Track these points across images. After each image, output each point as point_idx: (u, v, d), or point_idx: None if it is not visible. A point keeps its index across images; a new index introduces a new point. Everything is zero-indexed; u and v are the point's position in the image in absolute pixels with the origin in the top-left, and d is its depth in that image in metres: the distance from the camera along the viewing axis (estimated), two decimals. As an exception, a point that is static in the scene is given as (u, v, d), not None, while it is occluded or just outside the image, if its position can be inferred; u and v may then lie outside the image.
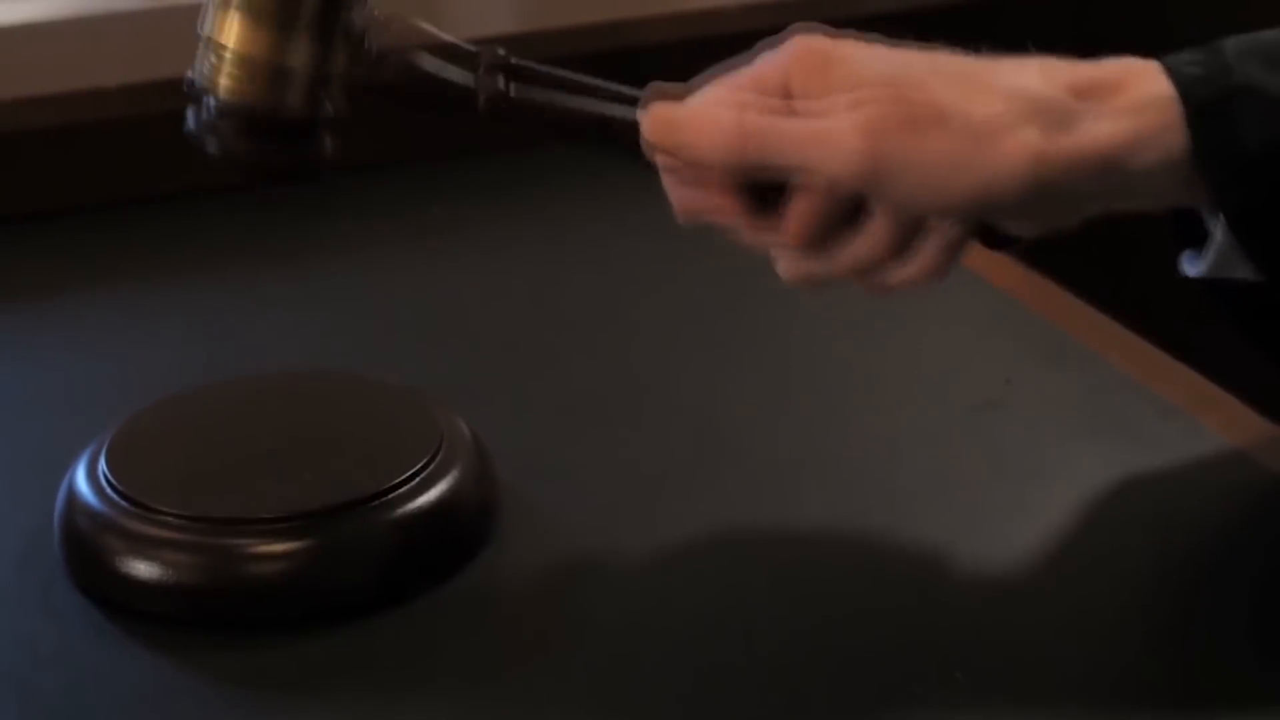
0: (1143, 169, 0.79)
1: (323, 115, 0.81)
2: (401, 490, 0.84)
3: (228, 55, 0.80)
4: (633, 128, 0.81)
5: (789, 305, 1.03)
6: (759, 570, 0.85)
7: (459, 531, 0.86)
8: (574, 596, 0.84)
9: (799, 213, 0.80)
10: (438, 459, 0.86)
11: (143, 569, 0.82)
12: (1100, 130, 0.78)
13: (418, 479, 0.85)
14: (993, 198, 0.78)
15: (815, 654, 0.80)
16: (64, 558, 0.85)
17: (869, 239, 0.80)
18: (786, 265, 0.83)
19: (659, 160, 0.81)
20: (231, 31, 0.79)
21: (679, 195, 0.82)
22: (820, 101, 0.78)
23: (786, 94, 0.79)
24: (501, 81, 0.82)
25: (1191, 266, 0.86)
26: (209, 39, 0.80)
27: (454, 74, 0.82)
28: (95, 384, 1.02)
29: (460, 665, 0.80)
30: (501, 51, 0.82)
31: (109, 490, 0.84)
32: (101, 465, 0.85)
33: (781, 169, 0.79)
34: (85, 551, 0.84)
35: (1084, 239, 0.84)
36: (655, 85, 0.81)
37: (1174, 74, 0.79)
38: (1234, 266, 0.84)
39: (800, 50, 0.80)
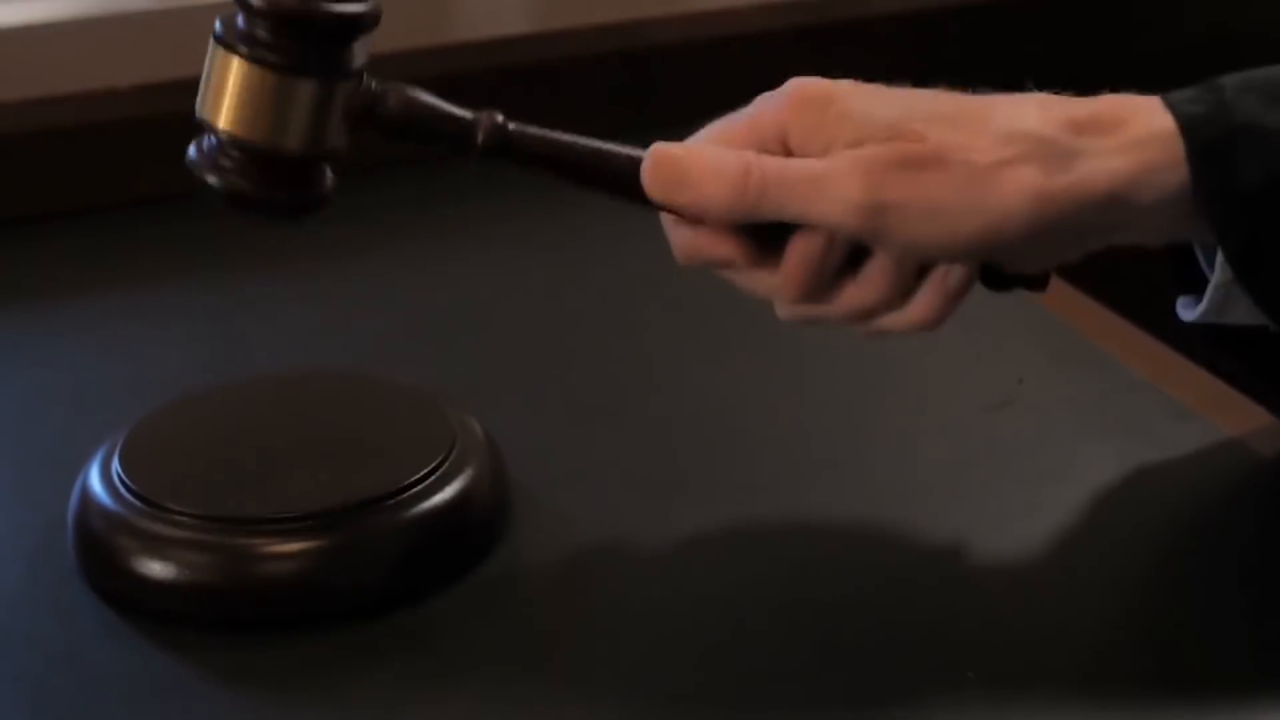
0: (1144, 204, 0.79)
1: (324, 152, 0.81)
2: (415, 490, 0.84)
3: (228, 93, 0.80)
4: (633, 169, 0.81)
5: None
6: (771, 569, 0.85)
7: (472, 531, 0.86)
8: (586, 595, 0.84)
9: (799, 257, 0.80)
10: (450, 459, 0.86)
11: (156, 568, 0.82)
12: (1101, 166, 0.78)
13: (431, 479, 0.85)
14: (994, 237, 0.78)
15: (827, 650, 0.80)
16: (77, 557, 0.85)
17: (869, 284, 0.80)
18: (784, 308, 0.83)
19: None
20: (231, 71, 0.80)
21: (677, 236, 0.82)
22: (820, 148, 0.78)
23: (784, 140, 0.80)
24: (500, 119, 0.82)
25: (1187, 311, 0.87)
26: (208, 76, 0.80)
27: (454, 109, 0.82)
28: (109, 384, 1.02)
29: (473, 665, 0.80)
30: (500, 117, 0.82)
31: (122, 490, 0.84)
32: (115, 465, 0.86)
33: (783, 213, 0.79)
34: (99, 551, 0.84)
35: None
36: (657, 144, 0.81)
37: (1175, 110, 0.79)
38: (1231, 308, 0.84)
39: (798, 94, 0.80)
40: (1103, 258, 0.83)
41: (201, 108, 0.81)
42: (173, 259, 1.17)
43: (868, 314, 0.81)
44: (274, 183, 0.81)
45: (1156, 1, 1.47)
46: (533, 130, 0.82)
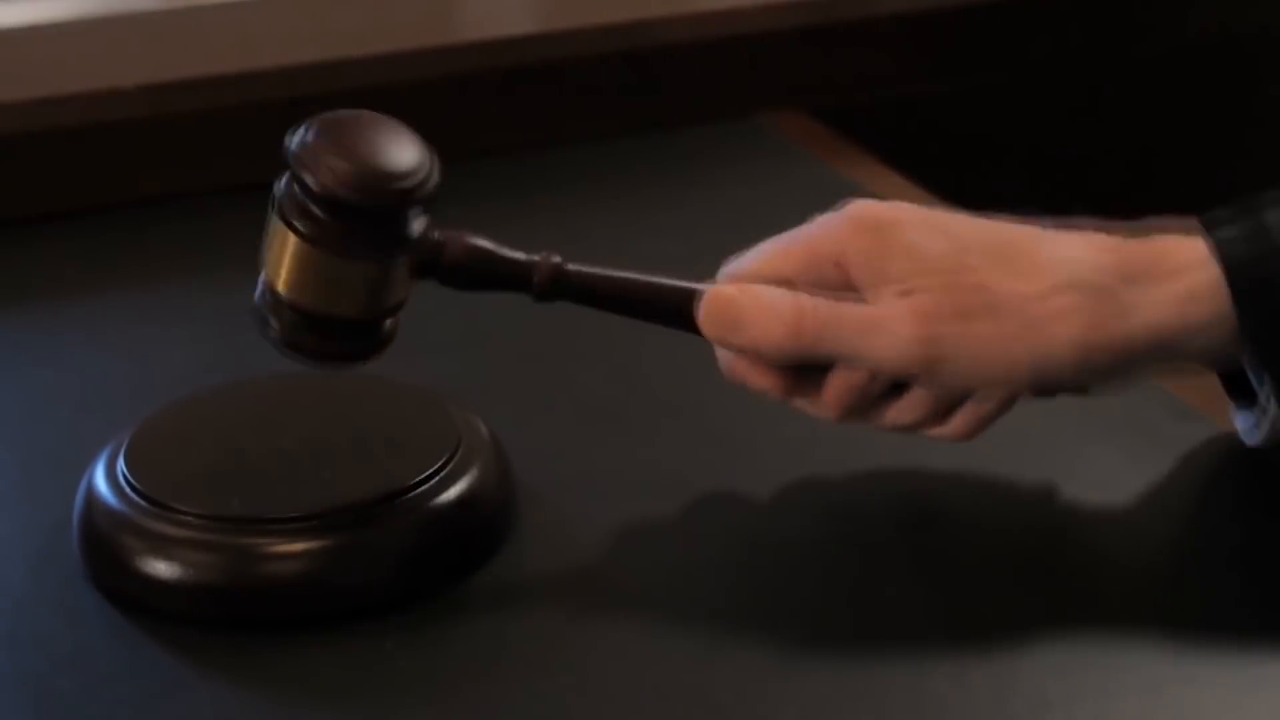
0: (1191, 350, 0.82)
1: (383, 313, 0.83)
2: (420, 490, 0.84)
3: (285, 263, 0.81)
4: (687, 304, 0.83)
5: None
6: (777, 568, 0.85)
7: (477, 531, 0.86)
8: (591, 596, 0.84)
9: (841, 389, 0.83)
10: (456, 459, 0.86)
11: (161, 569, 0.82)
12: (1148, 316, 0.80)
13: (436, 479, 0.85)
14: (1040, 379, 0.82)
15: (833, 650, 0.80)
16: (82, 557, 0.85)
17: (911, 410, 0.84)
18: (823, 420, 0.86)
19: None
20: (289, 246, 0.80)
21: (724, 358, 0.85)
22: (874, 289, 0.81)
23: (840, 261, 0.82)
24: (557, 261, 0.84)
25: (1249, 436, 0.88)
26: (268, 239, 0.81)
27: (512, 254, 0.84)
28: (114, 384, 1.02)
29: (477, 665, 0.80)
30: (556, 259, 0.84)
31: (128, 490, 0.84)
32: (120, 465, 0.86)
33: (836, 356, 0.82)
34: (104, 551, 0.84)
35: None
36: (713, 285, 0.84)
37: (1218, 251, 0.80)
38: None
39: (856, 218, 0.82)
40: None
41: (262, 264, 0.82)
42: (177, 259, 1.17)
43: (907, 430, 0.85)
44: (333, 338, 0.83)
45: (1161, 1, 1.47)
46: (588, 270, 0.84)
